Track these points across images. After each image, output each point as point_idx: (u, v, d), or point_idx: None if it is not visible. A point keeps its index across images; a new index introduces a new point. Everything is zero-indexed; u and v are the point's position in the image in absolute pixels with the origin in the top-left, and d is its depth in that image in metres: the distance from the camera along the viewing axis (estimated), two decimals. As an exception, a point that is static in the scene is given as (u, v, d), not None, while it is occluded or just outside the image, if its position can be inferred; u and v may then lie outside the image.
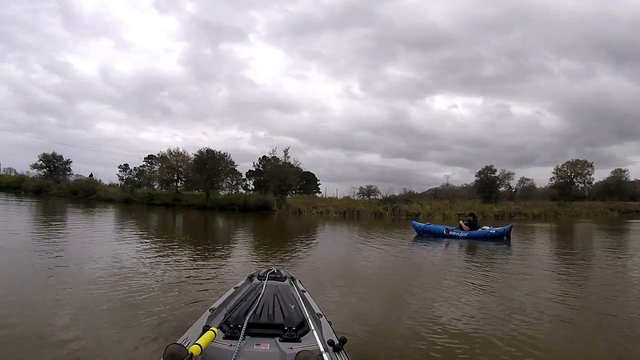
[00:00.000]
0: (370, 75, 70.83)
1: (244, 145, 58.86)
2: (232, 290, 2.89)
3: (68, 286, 4.90)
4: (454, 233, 12.51)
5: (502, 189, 34.78)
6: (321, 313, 2.44)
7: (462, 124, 62.82)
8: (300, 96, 71.50)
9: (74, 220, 15.33)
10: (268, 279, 2.94)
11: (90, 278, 5.35)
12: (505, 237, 12.05)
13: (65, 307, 4.04)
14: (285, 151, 29.36)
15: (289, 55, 74.21)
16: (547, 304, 4.74)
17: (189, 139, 64.33)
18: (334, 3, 68.98)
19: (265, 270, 3.28)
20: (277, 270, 3.24)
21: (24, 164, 44.37)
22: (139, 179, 34.63)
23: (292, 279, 3.20)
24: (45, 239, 9.40)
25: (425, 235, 12.99)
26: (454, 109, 66.05)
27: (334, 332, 2.17)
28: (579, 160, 38.81)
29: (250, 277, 3.19)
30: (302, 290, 2.90)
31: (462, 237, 12.24)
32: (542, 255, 9.35)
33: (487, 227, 12.76)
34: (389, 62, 77.23)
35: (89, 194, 30.90)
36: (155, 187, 33.40)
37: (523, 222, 22.51)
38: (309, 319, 2.22)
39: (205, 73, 71.36)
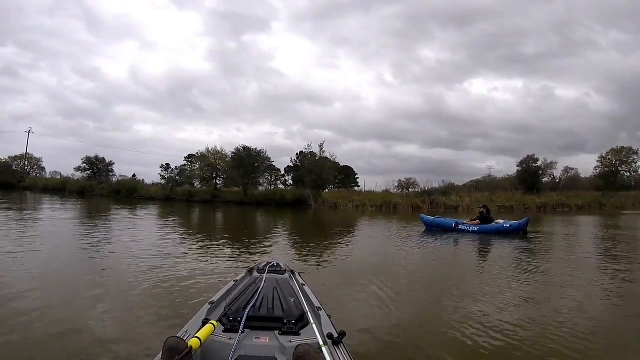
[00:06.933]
0: (403, 59, 68.28)
1: (278, 140, 58.67)
2: (232, 283, 2.87)
3: (92, 273, 5.15)
4: (463, 227, 11.74)
5: (546, 179, 33.46)
6: (320, 306, 2.40)
7: (505, 108, 58.95)
8: (331, 86, 70.37)
9: (113, 216, 15.95)
10: (268, 272, 2.94)
11: (118, 268, 5.59)
12: (521, 232, 11.11)
13: (81, 295, 4.19)
14: (321, 146, 29.67)
15: (315, 43, 73.52)
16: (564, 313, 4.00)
17: (224, 136, 64.93)
18: (357, -21, 64.88)
19: (265, 263, 3.27)
20: (276, 264, 3.23)
21: (68, 167, 46.71)
22: (180, 177, 35.74)
23: (292, 272, 3.19)
24: (82, 227, 9.94)
25: (434, 229, 12.20)
26: (494, 93, 62.65)
27: (333, 325, 2.14)
28: (623, 147, 36.75)
29: (250, 271, 3.19)
30: (301, 284, 2.88)
31: (473, 232, 11.44)
32: (565, 254, 8.30)
33: (501, 221, 11.84)
34: (422, 42, 72.51)
35: (131, 193, 32.21)
36: (196, 185, 34.34)
37: (566, 215, 21.46)
38: (309, 313, 2.19)
39: (232, 67, 72.21)
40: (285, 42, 72.47)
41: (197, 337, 1.71)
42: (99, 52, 73.98)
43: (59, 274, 5.14)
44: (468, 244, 9.68)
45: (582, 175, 37.32)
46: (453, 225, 12.01)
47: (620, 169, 36.55)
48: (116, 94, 69.07)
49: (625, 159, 36.28)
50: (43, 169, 46.08)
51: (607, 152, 37.13)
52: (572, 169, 37.09)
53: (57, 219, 13.35)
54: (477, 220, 11.88)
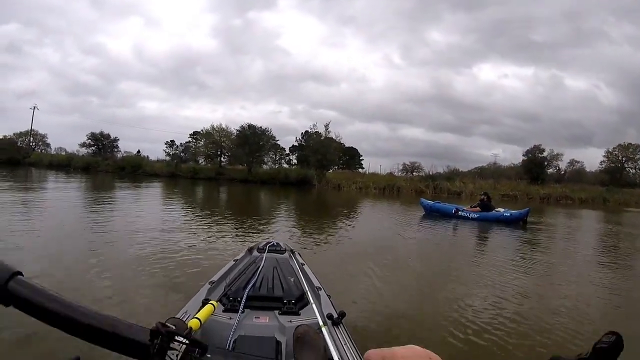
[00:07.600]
0: (411, 41, 67.01)
1: (283, 119, 58.28)
2: (232, 263, 2.83)
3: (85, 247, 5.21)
4: (463, 214, 11.74)
5: (551, 170, 33.29)
6: (320, 286, 2.39)
7: (513, 95, 58.09)
8: (338, 66, 69.35)
9: (117, 193, 16.07)
10: (267, 252, 2.92)
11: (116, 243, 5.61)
12: (521, 222, 11.10)
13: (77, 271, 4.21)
14: (326, 126, 29.60)
15: (322, 22, 72.17)
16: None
17: (228, 114, 64.39)
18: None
19: (265, 242, 3.23)
20: (276, 243, 3.20)
21: (73, 143, 46.79)
22: (185, 154, 35.80)
23: (292, 251, 3.16)
24: (85, 203, 10.07)
25: (433, 214, 12.26)
26: (503, 79, 61.50)
27: (333, 306, 2.12)
28: (630, 144, 36.41)
29: (250, 250, 3.14)
30: (301, 263, 2.86)
31: (473, 219, 11.44)
32: (563, 247, 8.15)
33: (502, 210, 11.81)
34: (431, 25, 71.81)
35: (135, 170, 32.43)
36: (200, 162, 34.44)
37: (569, 208, 21.34)
38: (308, 292, 2.17)
39: (237, 45, 71.26)
40: (291, 19, 71.00)
41: (196, 318, 1.71)
42: (102, 29, 73.27)
43: (59, 250, 5.08)
44: (467, 231, 9.71)
45: (588, 169, 37.20)
46: (453, 211, 12.01)
47: (626, 165, 36.26)
48: (120, 70, 68.58)
49: (631, 156, 35.96)
50: (48, 145, 46.00)
51: (614, 148, 36.89)
52: (578, 162, 37.03)
53: (61, 194, 13.48)
54: (478, 207, 11.89)
